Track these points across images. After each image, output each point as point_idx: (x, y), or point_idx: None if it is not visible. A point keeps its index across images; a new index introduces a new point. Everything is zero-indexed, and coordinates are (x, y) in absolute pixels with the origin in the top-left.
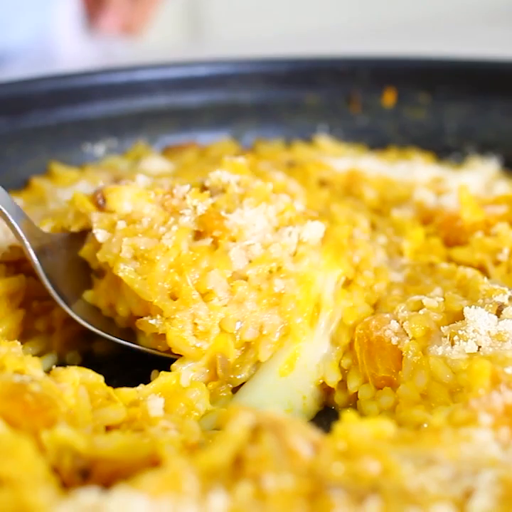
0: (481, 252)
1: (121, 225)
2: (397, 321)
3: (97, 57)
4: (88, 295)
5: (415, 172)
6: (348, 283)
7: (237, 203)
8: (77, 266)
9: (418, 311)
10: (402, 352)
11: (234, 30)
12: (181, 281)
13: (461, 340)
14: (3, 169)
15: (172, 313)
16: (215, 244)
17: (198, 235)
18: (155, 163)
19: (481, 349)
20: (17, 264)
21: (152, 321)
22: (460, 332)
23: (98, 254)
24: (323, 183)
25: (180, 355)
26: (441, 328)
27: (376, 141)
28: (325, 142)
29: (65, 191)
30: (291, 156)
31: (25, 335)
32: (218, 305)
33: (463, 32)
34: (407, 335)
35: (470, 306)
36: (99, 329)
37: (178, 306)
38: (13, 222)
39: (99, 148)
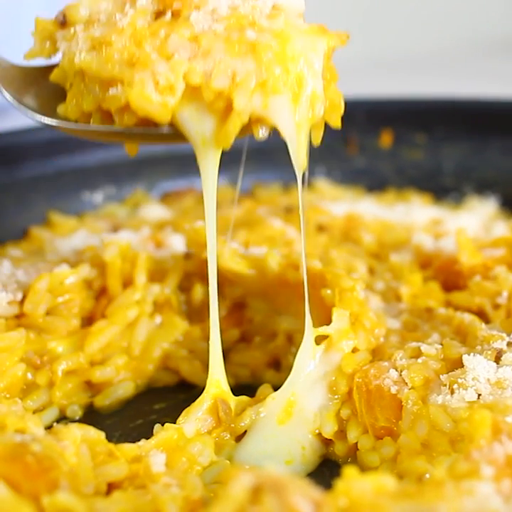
0: (479, 296)
1: (79, 28)
2: (396, 370)
3: None
4: (60, 109)
5: (413, 214)
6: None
7: None
8: (57, 97)
9: (416, 358)
10: (401, 401)
11: None
12: (140, 50)
13: (460, 389)
14: (2, 220)
15: (132, 77)
16: (176, 17)
17: (157, 16)
18: (154, 210)
19: (481, 397)
20: (17, 318)
21: (113, 90)
22: (459, 380)
23: (61, 61)
24: (321, 228)
25: (156, 127)
26: (441, 376)
27: (374, 183)
28: (323, 185)
29: (63, 241)
30: (289, 200)
31: (25, 389)
32: (181, 60)
33: (459, 65)
34: (406, 384)
35: (469, 354)
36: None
37: (136, 68)
38: None
39: (98, 196)
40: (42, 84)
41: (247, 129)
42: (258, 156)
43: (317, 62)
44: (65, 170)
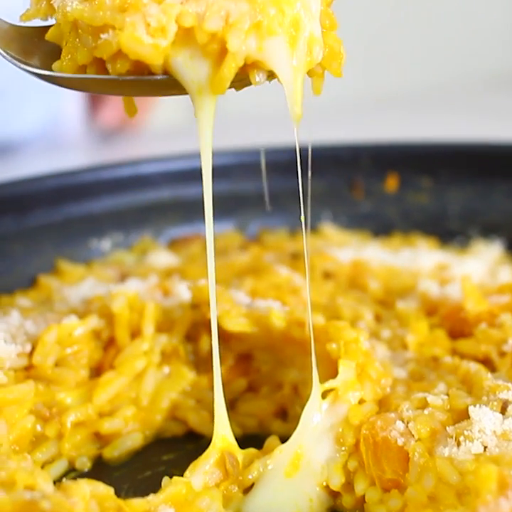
0: (485, 344)
1: None
2: (403, 421)
3: (98, 148)
4: (55, 66)
5: (419, 259)
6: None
7: None
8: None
9: (423, 409)
10: (408, 453)
11: (233, 110)
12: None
13: (467, 441)
14: (10, 268)
15: (123, 21)
16: None
17: None
18: (161, 256)
19: (487, 449)
20: (26, 370)
21: (104, 36)
22: (466, 432)
23: (55, 15)
24: (327, 275)
25: (151, 74)
26: (447, 428)
27: (380, 227)
28: (329, 229)
29: (72, 289)
30: (295, 245)
31: (35, 441)
32: (172, 2)
33: (460, 101)
34: (413, 436)
35: (475, 405)
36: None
37: (128, 12)
38: None
39: (106, 244)
40: (39, 45)
41: (244, 77)
42: (264, 202)
43: (314, 6)
44: (73, 217)
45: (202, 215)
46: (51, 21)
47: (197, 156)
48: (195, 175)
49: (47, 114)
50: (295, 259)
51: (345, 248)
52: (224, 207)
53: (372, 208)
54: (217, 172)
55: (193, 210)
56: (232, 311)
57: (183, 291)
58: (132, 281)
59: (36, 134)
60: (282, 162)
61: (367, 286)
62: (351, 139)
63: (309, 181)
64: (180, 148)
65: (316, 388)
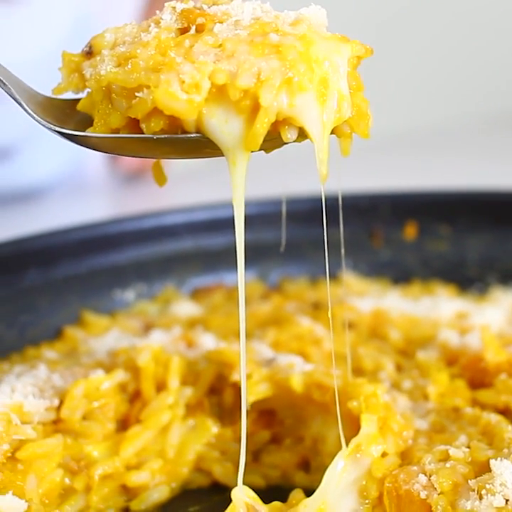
0: (505, 394)
1: (105, 51)
2: (425, 474)
3: (120, 192)
4: (88, 132)
5: (439, 308)
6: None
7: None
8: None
9: (445, 462)
10: (431, 506)
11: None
12: (165, 57)
13: (488, 494)
14: (36, 320)
15: (157, 80)
16: (200, 32)
17: (182, 33)
18: (184, 306)
19: (509, 502)
20: (54, 423)
21: (139, 94)
22: (487, 486)
23: (87, 83)
24: (349, 326)
25: (184, 133)
26: (469, 481)
27: (399, 275)
28: (350, 278)
29: (97, 341)
30: (316, 295)
31: (63, 493)
32: (206, 61)
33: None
34: (436, 489)
35: (496, 458)
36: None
37: (162, 71)
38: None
39: (129, 294)
40: (71, 115)
41: (275, 136)
42: (285, 251)
43: (342, 66)
44: (97, 269)
45: (224, 265)
46: (82, 95)
47: (218, 206)
48: (217, 225)
49: (70, 160)
50: (316, 308)
51: (365, 297)
52: (245, 256)
53: (391, 256)
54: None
55: (215, 260)
56: (253, 374)
57: (207, 342)
58: (156, 332)
59: (59, 180)
60: (303, 211)
61: (388, 336)
62: (369, 188)
63: (341, 231)
64: (201, 190)
65: (343, 451)
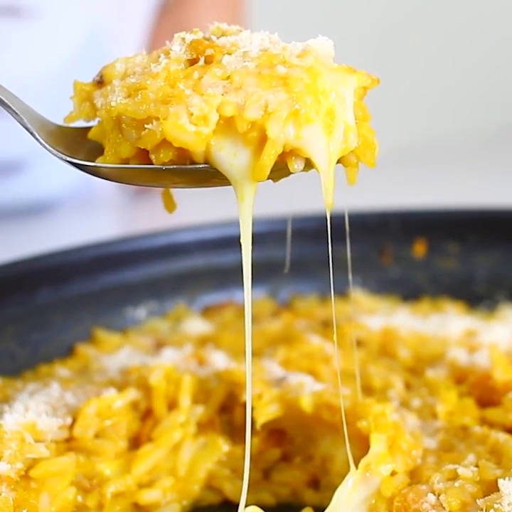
0: None
1: (116, 82)
2: (434, 493)
3: (130, 206)
4: (99, 161)
5: (448, 325)
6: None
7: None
8: (96, 155)
9: (453, 481)
10: None
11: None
12: (174, 89)
13: None
14: (49, 338)
15: (166, 112)
16: (209, 63)
17: (191, 64)
18: (195, 324)
19: None
20: (66, 442)
21: (149, 126)
22: (496, 505)
23: (98, 113)
24: (358, 343)
25: (193, 164)
26: (477, 500)
27: (408, 292)
28: (359, 295)
29: (109, 359)
30: (326, 312)
31: (76, 511)
32: (214, 93)
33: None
34: (444, 508)
35: (504, 478)
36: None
37: (171, 103)
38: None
39: (141, 312)
40: (82, 143)
41: (282, 166)
42: (294, 269)
43: (348, 97)
44: (109, 286)
45: (235, 282)
46: (93, 123)
47: (229, 224)
48: (228, 242)
49: (80, 175)
50: (326, 326)
51: (374, 315)
52: (256, 274)
53: (400, 273)
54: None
55: (225, 277)
56: (264, 395)
57: (218, 360)
58: (168, 350)
59: (69, 194)
60: (312, 229)
61: (397, 354)
62: (378, 205)
63: (348, 249)
64: (211, 207)
65: (351, 470)
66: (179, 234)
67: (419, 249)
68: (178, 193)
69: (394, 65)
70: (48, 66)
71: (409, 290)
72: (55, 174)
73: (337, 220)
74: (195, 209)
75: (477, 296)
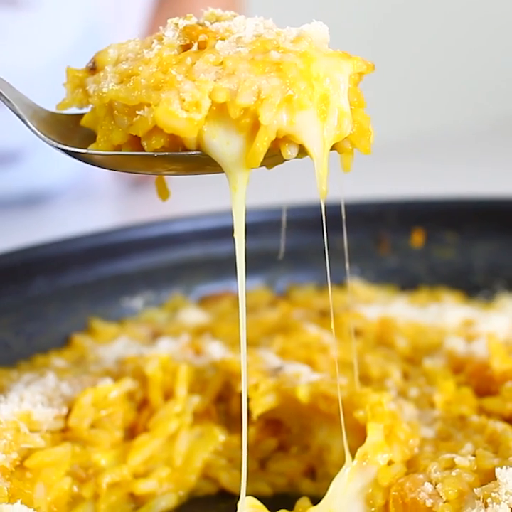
0: (511, 402)
1: (108, 68)
2: (431, 482)
3: (127, 196)
4: (91, 148)
5: (445, 315)
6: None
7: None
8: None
9: (450, 470)
10: None
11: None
12: (166, 75)
13: (494, 503)
14: (45, 328)
15: (158, 98)
16: (202, 49)
17: (184, 50)
18: (192, 314)
19: None
20: (62, 432)
21: (140, 112)
22: (493, 494)
23: (90, 100)
24: (355, 333)
25: (185, 151)
26: (474, 489)
27: (406, 282)
28: (357, 285)
29: (105, 349)
30: (323, 302)
31: (72, 501)
32: (206, 79)
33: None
34: (441, 497)
35: (501, 467)
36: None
37: (163, 89)
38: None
39: (137, 302)
40: (75, 130)
41: (276, 152)
42: (292, 259)
43: (343, 83)
44: (105, 277)
45: (231, 272)
46: (86, 110)
47: (226, 214)
48: (225, 232)
49: (76, 165)
50: (324, 316)
51: (372, 304)
52: (253, 264)
53: (398, 263)
54: (245, 230)
55: (222, 267)
56: (260, 385)
57: (214, 350)
58: (164, 340)
59: (66, 185)
60: (310, 219)
61: (394, 344)
62: (376, 195)
63: (345, 238)
64: (207, 196)
65: (347, 461)
66: (176, 224)
67: (417, 238)
68: (175, 183)
69: (393, 52)
70: (45, 57)
71: (406, 280)
72: (51, 165)
73: (334, 209)
74: (191, 199)
75: (475, 286)
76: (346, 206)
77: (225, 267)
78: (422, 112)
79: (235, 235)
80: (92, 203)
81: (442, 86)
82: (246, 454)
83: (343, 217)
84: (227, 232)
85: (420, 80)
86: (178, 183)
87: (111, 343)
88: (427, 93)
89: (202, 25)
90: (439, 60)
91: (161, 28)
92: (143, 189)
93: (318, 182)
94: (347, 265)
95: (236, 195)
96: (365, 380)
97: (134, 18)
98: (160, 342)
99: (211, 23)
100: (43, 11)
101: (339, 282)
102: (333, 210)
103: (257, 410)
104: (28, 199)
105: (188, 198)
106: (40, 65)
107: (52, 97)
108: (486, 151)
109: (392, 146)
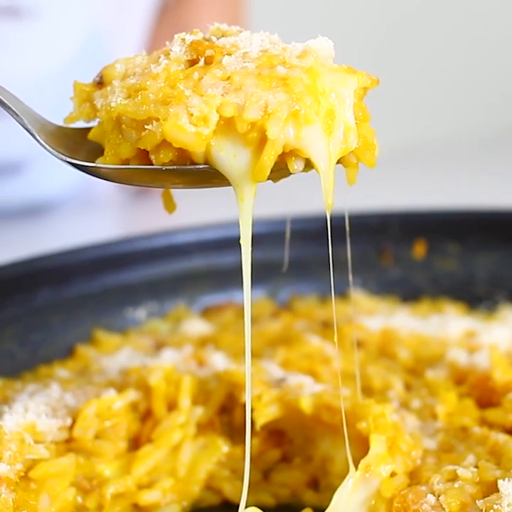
0: None
1: (116, 82)
2: (434, 494)
3: (130, 205)
4: (99, 162)
5: (447, 326)
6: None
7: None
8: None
9: (453, 482)
10: None
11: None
12: (174, 90)
13: None
14: (49, 339)
15: (166, 113)
16: (209, 64)
17: (191, 65)
18: (195, 324)
19: None
20: (66, 443)
21: (149, 126)
22: (495, 506)
23: (98, 114)
24: (358, 344)
25: (193, 164)
26: (477, 501)
27: (408, 293)
28: (359, 296)
29: (109, 359)
30: (326, 313)
31: None
32: (214, 94)
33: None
34: (444, 509)
35: (503, 478)
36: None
37: (171, 104)
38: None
39: (141, 313)
40: (82, 144)
41: (282, 166)
42: (294, 270)
43: (348, 98)
44: (110, 287)
45: (235, 283)
46: (93, 124)
47: (229, 225)
48: (228, 243)
49: (80, 175)
50: (326, 327)
51: (374, 316)
52: (255, 274)
53: (400, 274)
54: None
55: (225, 278)
56: (263, 396)
57: (217, 361)
58: (167, 351)
59: (69, 194)
60: (312, 230)
61: (397, 355)
62: (378, 206)
63: (348, 249)
64: (211, 207)
65: (351, 472)
66: (179, 235)
67: (419, 250)
68: (178, 194)
69: (396, 62)
70: (47, 67)
71: (409, 291)
72: (54, 175)
73: (337, 220)
74: (195, 210)
75: (477, 297)
76: (349, 218)
77: (228, 278)
78: (425, 122)
79: (242, 246)
80: (94, 213)
81: (445, 96)
82: (249, 465)
83: (347, 228)
84: (230, 243)
85: (422, 90)
86: (181, 193)
87: (114, 353)
88: (429, 103)
89: (208, 40)
90: (441, 71)
91: (167, 43)
92: (145, 199)
93: (325, 195)
94: (350, 276)
95: (243, 206)
96: (368, 391)
97: (136, 28)
98: (163, 353)
99: (217, 38)
100: (45, 22)
101: (341, 293)
102: (335, 221)
103: (260, 421)
104: (30, 209)
105: (191, 209)
106: (42, 75)
107: (54, 107)
108: (488, 161)
109: (395, 156)
